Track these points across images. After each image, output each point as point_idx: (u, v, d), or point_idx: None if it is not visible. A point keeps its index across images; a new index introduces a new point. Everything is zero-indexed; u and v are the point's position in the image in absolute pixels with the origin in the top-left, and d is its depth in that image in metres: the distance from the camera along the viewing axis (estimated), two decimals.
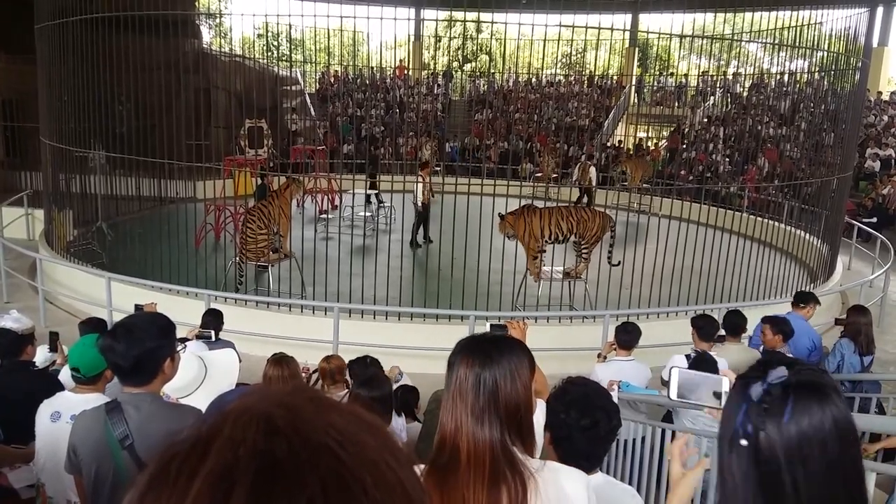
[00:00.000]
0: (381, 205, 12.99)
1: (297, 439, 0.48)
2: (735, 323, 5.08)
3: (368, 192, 13.42)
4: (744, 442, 1.03)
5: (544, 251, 8.16)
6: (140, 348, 2.05)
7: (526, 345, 1.55)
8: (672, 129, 19.00)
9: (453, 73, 26.16)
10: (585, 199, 13.90)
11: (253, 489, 0.45)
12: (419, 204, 10.52)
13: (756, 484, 1.02)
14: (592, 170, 14.29)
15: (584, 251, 8.09)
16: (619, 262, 7.87)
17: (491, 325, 2.99)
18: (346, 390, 3.51)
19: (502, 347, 1.50)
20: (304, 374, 4.20)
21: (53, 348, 4.29)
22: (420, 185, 10.39)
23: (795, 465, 0.99)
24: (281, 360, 3.81)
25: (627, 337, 4.73)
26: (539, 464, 1.44)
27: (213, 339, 4.78)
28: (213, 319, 5.02)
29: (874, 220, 13.70)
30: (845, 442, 1.00)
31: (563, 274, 8.08)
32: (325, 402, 0.55)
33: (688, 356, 4.39)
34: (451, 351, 1.55)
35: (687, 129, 18.75)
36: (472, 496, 1.39)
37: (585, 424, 1.86)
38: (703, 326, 4.73)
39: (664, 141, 19.18)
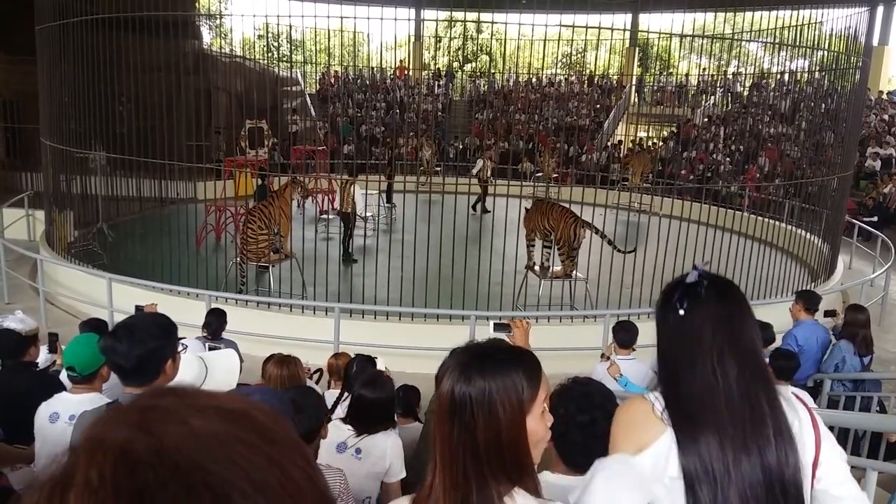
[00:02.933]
0: (391, 206, 13.00)
1: (163, 465, 0.44)
2: None
3: (383, 191, 13.47)
4: (681, 312, 1.51)
5: (533, 245, 8.28)
6: (142, 348, 2.05)
7: (528, 359, 1.27)
8: (686, 120, 19.00)
9: (454, 73, 26.16)
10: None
11: None
12: (362, 213, 9.91)
13: (681, 339, 1.51)
14: (488, 163, 14.64)
15: (559, 253, 8.13)
16: (634, 249, 7.80)
17: (494, 325, 2.98)
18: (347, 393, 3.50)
19: (486, 368, 1.20)
20: (305, 374, 4.20)
21: (53, 349, 4.29)
22: (359, 193, 9.79)
23: (708, 325, 1.48)
24: (283, 360, 3.82)
25: (626, 336, 4.73)
26: None
27: (212, 340, 4.80)
28: (215, 319, 5.03)
29: (875, 219, 13.69)
30: (739, 309, 1.53)
31: (550, 272, 8.11)
32: (185, 406, 0.50)
33: None
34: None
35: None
36: None
37: (583, 421, 1.87)
38: None
39: (675, 133, 19.15)
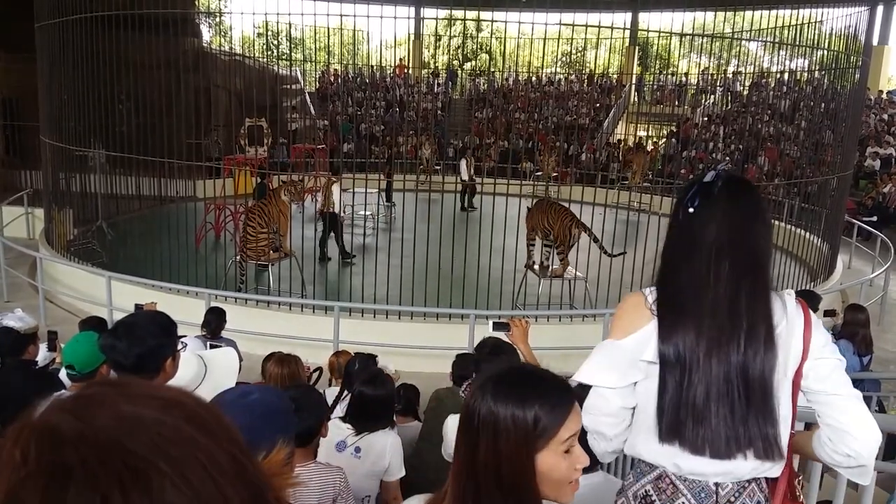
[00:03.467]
0: (390, 205, 12.99)
1: (84, 443, 0.47)
2: None
3: (382, 190, 13.46)
4: (691, 210, 1.57)
5: (533, 244, 8.29)
6: (142, 346, 2.05)
7: (558, 393, 1.17)
8: (686, 120, 19.01)
9: (456, 72, 26.14)
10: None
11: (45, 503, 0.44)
12: (340, 213, 9.66)
13: (684, 236, 1.59)
14: (471, 161, 14.78)
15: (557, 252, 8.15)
16: (623, 253, 7.82)
17: (493, 324, 2.98)
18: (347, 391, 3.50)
19: (500, 391, 1.15)
20: (305, 372, 4.20)
21: (52, 347, 4.29)
22: (337, 192, 9.56)
23: (712, 223, 1.55)
24: (283, 359, 3.82)
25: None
26: None
27: (212, 339, 4.79)
28: (214, 318, 5.03)
29: (874, 218, 13.69)
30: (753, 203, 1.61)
31: (550, 271, 8.12)
32: (116, 392, 0.53)
33: None
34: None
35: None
36: None
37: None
38: None
39: (675, 132, 19.15)
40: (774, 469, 1.58)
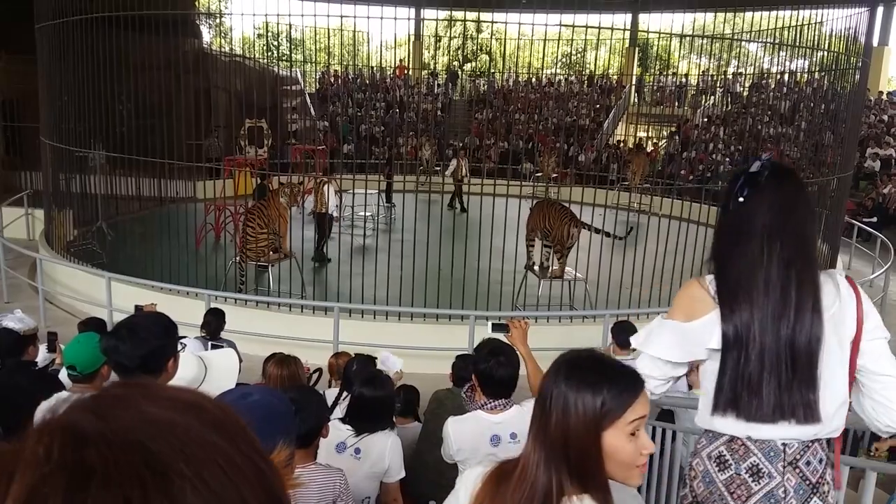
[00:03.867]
0: (392, 206, 12.98)
1: (106, 443, 0.47)
2: None
3: (382, 191, 13.44)
4: (741, 199, 1.71)
5: (533, 245, 8.30)
6: (145, 348, 2.05)
7: (625, 380, 1.28)
8: (685, 121, 19.03)
9: (457, 73, 26.15)
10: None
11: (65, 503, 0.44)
12: (333, 214, 9.64)
13: (737, 224, 1.74)
14: (463, 162, 14.69)
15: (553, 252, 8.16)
16: (630, 229, 7.94)
17: (492, 325, 2.98)
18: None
19: (573, 375, 1.27)
20: (305, 373, 4.20)
21: (52, 348, 4.30)
22: (332, 192, 9.54)
23: (762, 209, 1.70)
24: (283, 360, 3.82)
25: (625, 336, 4.73)
26: None
27: (212, 340, 4.79)
28: (214, 319, 5.03)
29: (874, 219, 13.69)
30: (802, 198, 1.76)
31: (550, 272, 8.12)
32: (138, 394, 0.54)
33: None
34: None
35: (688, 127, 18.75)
36: None
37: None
38: None
39: (675, 133, 19.15)
40: (835, 432, 1.75)
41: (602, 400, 1.23)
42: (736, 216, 1.75)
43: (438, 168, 15.71)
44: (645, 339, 1.87)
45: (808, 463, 1.75)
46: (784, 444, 1.74)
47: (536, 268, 8.20)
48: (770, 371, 1.67)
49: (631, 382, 1.28)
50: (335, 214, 9.72)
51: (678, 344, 1.79)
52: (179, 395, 0.55)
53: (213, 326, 4.97)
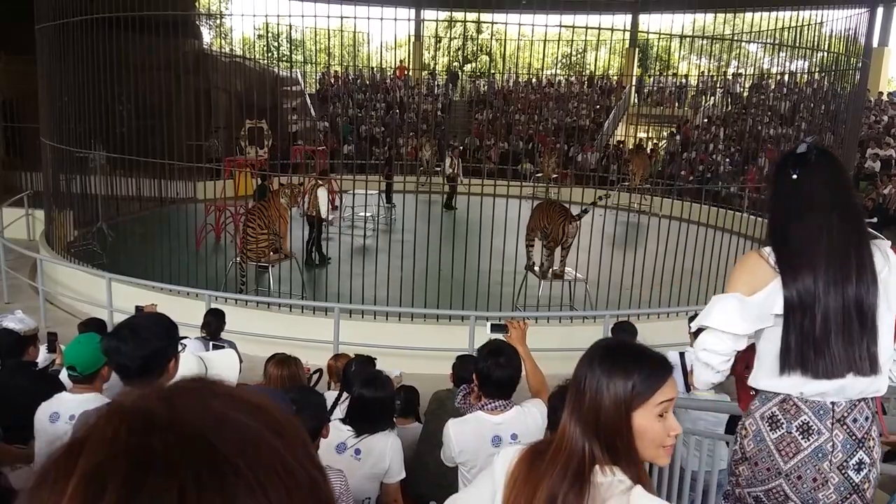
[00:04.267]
0: (392, 206, 12.97)
1: (172, 432, 0.49)
2: None
3: (382, 191, 13.42)
4: (794, 176, 1.91)
5: (532, 245, 8.31)
6: (147, 349, 2.05)
7: (655, 365, 1.38)
8: (684, 122, 19.04)
9: (457, 73, 26.14)
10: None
11: (125, 485, 0.45)
12: (328, 216, 9.52)
13: (794, 198, 1.93)
14: (456, 161, 14.77)
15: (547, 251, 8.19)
16: (600, 197, 8.20)
17: (491, 325, 2.99)
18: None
19: (605, 361, 1.38)
20: (305, 374, 4.20)
21: (52, 349, 4.30)
22: (322, 196, 9.39)
23: (818, 186, 1.90)
24: (284, 360, 3.82)
25: (626, 337, 4.74)
26: (623, 486, 1.32)
27: (212, 340, 4.79)
28: (214, 319, 5.03)
29: (875, 220, 13.68)
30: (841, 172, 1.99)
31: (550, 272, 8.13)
32: (208, 389, 0.55)
33: (682, 353, 4.41)
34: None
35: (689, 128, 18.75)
36: (542, 485, 1.38)
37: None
38: None
39: (675, 133, 19.14)
40: (881, 389, 1.91)
41: (632, 383, 1.33)
42: (792, 192, 1.93)
43: (438, 168, 15.71)
44: (706, 315, 1.97)
45: (854, 420, 1.90)
46: (833, 403, 1.89)
47: (536, 268, 8.21)
48: (837, 329, 1.83)
49: (660, 367, 1.38)
50: (330, 217, 9.71)
51: (743, 316, 1.90)
52: (249, 396, 0.56)
53: (213, 327, 4.97)
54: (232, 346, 4.77)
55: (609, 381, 1.34)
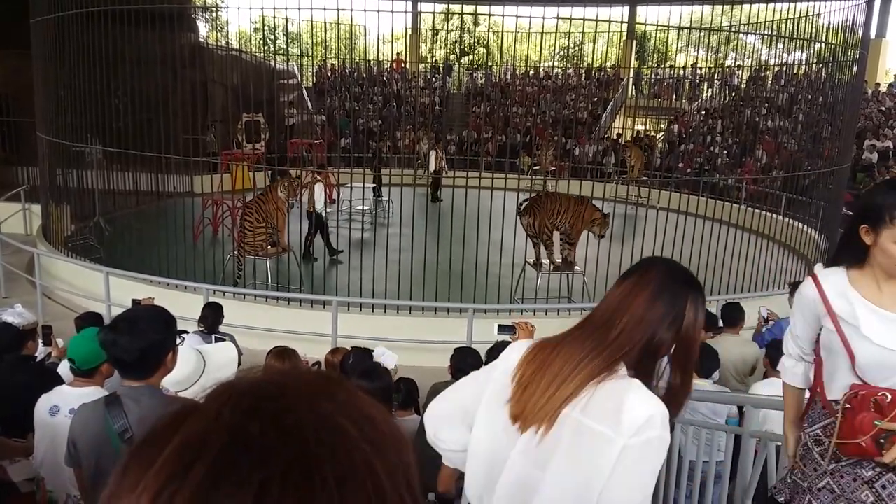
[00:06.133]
0: (380, 199, 12.97)
1: (272, 420, 0.48)
2: (733, 315, 5.09)
3: (373, 185, 13.38)
4: None
5: (534, 239, 8.33)
6: (145, 342, 2.05)
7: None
8: (682, 113, 19.04)
9: (452, 65, 26.07)
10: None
11: (214, 463, 0.46)
12: (323, 211, 9.52)
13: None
14: (441, 153, 14.67)
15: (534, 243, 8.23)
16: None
17: (498, 326, 2.99)
18: None
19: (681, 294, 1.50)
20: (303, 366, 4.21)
21: (47, 342, 4.30)
22: (319, 190, 9.37)
23: None
24: (283, 353, 3.82)
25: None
26: (624, 382, 1.43)
27: (210, 333, 4.78)
28: (212, 313, 5.02)
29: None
30: None
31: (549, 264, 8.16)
32: (324, 388, 0.54)
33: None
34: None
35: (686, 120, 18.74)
36: (552, 358, 1.49)
37: None
38: None
39: (673, 125, 19.13)
40: None
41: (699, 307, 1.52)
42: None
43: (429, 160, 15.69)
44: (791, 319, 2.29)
45: None
46: None
47: (548, 262, 8.21)
48: None
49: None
50: (327, 211, 9.69)
51: (808, 313, 2.23)
52: (363, 404, 0.54)
53: (210, 320, 4.97)
54: (231, 339, 4.77)
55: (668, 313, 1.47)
